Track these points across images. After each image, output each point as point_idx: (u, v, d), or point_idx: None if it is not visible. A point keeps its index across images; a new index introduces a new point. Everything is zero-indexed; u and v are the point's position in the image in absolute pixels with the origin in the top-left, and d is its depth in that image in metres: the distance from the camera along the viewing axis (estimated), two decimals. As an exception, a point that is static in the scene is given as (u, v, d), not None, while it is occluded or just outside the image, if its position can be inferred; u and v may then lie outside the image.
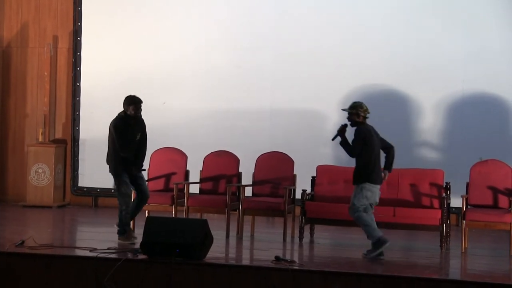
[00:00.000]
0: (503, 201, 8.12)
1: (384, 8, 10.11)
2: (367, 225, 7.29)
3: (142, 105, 7.81)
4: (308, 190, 8.41)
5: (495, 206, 8.12)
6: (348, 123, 7.46)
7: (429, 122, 10.00)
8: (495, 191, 8.16)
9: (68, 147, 10.97)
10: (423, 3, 10.06)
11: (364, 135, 7.35)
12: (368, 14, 10.15)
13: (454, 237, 8.32)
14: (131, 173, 7.78)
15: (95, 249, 7.08)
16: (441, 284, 6.36)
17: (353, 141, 7.40)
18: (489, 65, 9.83)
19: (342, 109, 7.62)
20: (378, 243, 7.22)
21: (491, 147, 9.56)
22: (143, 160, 7.93)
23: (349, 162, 9.59)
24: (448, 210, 8.01)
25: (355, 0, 10.20)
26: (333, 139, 7.53)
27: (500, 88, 9.82)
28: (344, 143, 7.41)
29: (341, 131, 7.40)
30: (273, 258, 6.86)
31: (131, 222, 7.99)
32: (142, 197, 7.97)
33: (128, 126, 7.73)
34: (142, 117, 7.88)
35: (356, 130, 7.41)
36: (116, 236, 7.77)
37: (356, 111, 7.41)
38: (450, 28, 9.96)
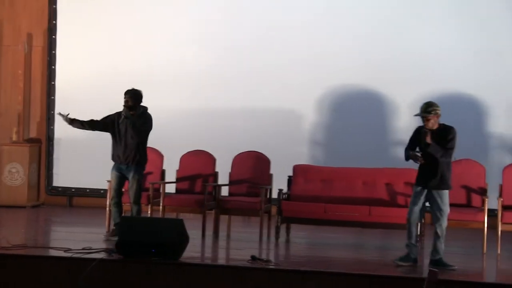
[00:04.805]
0: (476, 200, 8.21)
1: (362, 7, 10.14)
2: None
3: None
4: (285, 190, 8.42)
5: (468, 205, 8.21)
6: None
7: (405, 121, 10.05)
8: (468, 190, 8.24)
9: (42, 147, 10.87)
10: (399, 3, 10.11)
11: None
12: (346, 14, 10.17)
13: (429, 236, 8.35)
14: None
15: (70, 249, 7.02)
16: (413, 282, 6.39)
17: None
18: (465, 65, 9.92)
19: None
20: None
21: (466, 147, 9.62)
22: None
23: (325, 162, 9.66)
24: (423, 209, 8.04)
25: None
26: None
27: (474, 88, 9.91)
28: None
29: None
30: (249, 258, 6.86)
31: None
32: None
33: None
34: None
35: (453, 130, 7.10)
36: (93, 236, 7.73)
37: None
38: (425, 26, 10.02)
